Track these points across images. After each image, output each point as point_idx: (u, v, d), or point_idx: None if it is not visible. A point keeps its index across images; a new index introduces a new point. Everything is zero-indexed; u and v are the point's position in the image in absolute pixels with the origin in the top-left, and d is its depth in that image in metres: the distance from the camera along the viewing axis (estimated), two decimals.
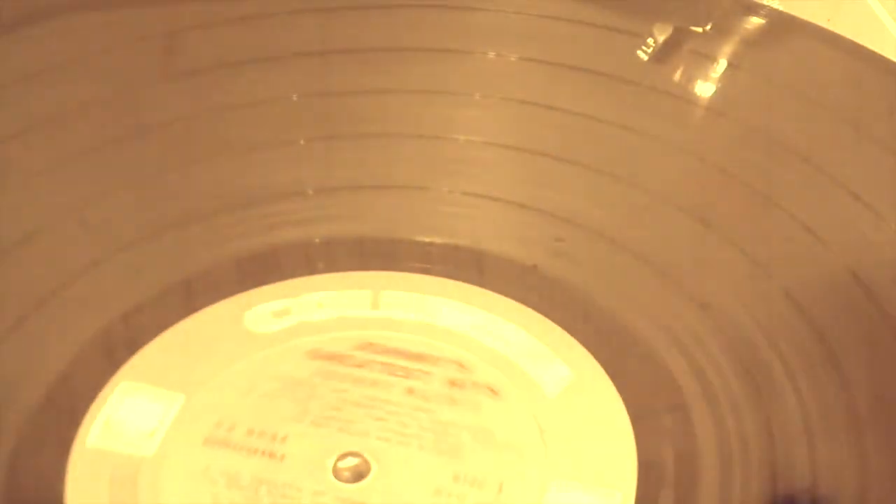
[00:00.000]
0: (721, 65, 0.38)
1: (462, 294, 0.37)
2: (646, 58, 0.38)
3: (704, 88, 0.38)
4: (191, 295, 0.36)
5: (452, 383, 0.34)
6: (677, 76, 0.38)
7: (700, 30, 0.38)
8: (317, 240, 0.38)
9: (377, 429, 0.33)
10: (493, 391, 0.34)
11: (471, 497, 0.32)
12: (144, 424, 0.33)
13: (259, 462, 0.32)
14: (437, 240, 0.38)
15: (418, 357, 0.35)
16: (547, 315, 0.36)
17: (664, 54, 0.38)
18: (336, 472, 0.32)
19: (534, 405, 0.34)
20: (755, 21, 0.38)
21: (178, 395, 0.34)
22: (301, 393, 0.34)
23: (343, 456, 0.33)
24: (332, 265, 0.37)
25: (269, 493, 0.32)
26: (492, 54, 0.40)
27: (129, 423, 0.33)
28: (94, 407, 0.34)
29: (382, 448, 0.33)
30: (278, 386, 0.34)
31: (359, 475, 0.32)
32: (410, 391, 0.34)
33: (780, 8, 0.41)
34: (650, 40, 0.38)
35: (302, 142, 0.39)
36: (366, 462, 0.32)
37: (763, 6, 0.39)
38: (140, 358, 0.35)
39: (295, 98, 0.39)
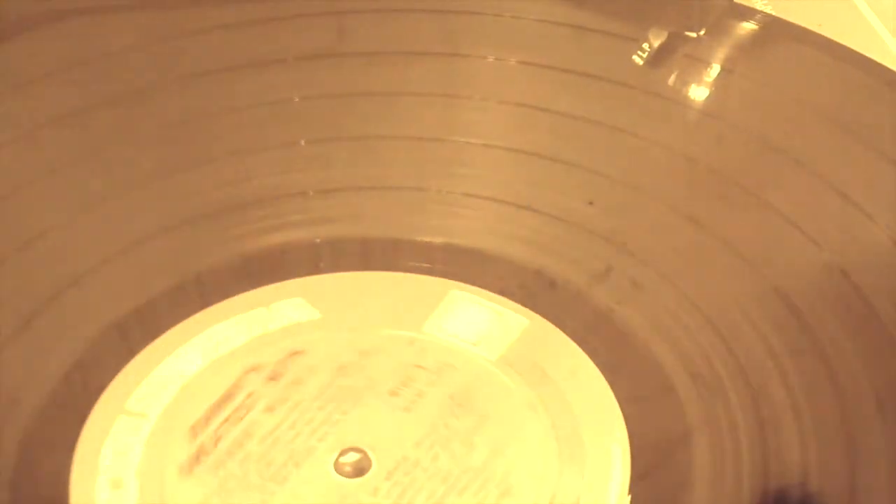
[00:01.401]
0: (714, 69, 0.38)
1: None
2: (641, 62, 0.38)
3: (698, 92, 0.38)
4: (198, 292, 0.37)
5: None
6: (672, 80, 0.38)
7: (694, 35, 0.38)
8: (318, 240, 0.38)
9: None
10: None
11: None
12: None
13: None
14: (437, 240, 0.38)
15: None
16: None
17: (659, 58, 0.38)
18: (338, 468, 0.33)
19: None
20: (748, 26, 0.38)
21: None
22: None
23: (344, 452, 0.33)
24: (334, 265, 0.38)
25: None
26: (490, 58, 0.40)
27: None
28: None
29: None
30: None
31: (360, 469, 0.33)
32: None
33: (773, 13, 0.41)
34: (645, 45, 0.38)
35: (303, 143, 0.39)
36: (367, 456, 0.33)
37: (756, 11, 0.39)
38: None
39: (296, 100, 0.39)
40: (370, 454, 0.33)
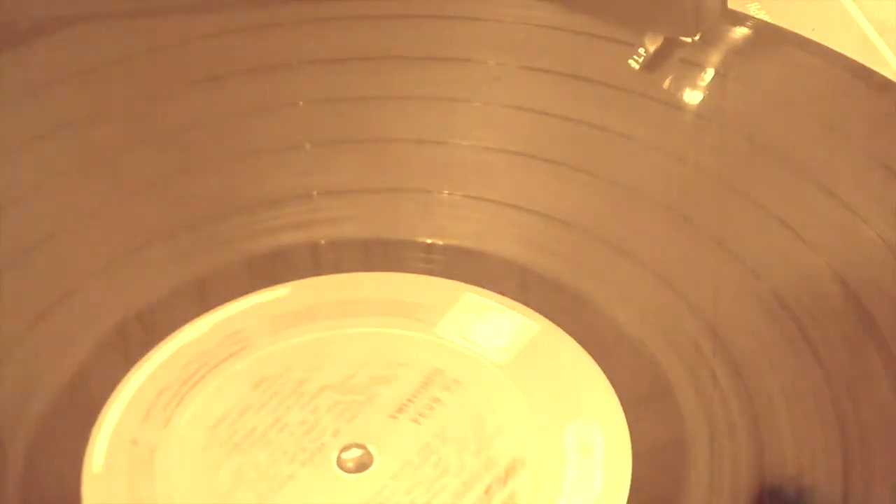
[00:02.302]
0: (709, 73, 0.38)
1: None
2: (637, 66, 0.39)
3: (693, 96, 0.38)
4: (202, 294, 0.37)
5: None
6: (667, 84, 0.39)
7: (689, 40, 0.39)
8: (322, 241, 0.38)
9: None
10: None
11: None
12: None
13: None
14: (439, 241, 0.38)
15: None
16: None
17: (655, 63, 0.39)
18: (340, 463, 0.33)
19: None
20: (742, 31, 0.39)
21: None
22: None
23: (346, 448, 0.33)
24: (337, 266, 0.38)
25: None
26: (491, 62, 0.40)
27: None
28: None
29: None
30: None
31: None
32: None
33: (766, 19, 0.42)
34: (641, 50, 0.39)
35: (308, 146, 0.39)
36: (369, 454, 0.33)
37: (750, 17, 0.40)
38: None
39: (301, 104, 0.39)
40: (372, 450, 0.33)
